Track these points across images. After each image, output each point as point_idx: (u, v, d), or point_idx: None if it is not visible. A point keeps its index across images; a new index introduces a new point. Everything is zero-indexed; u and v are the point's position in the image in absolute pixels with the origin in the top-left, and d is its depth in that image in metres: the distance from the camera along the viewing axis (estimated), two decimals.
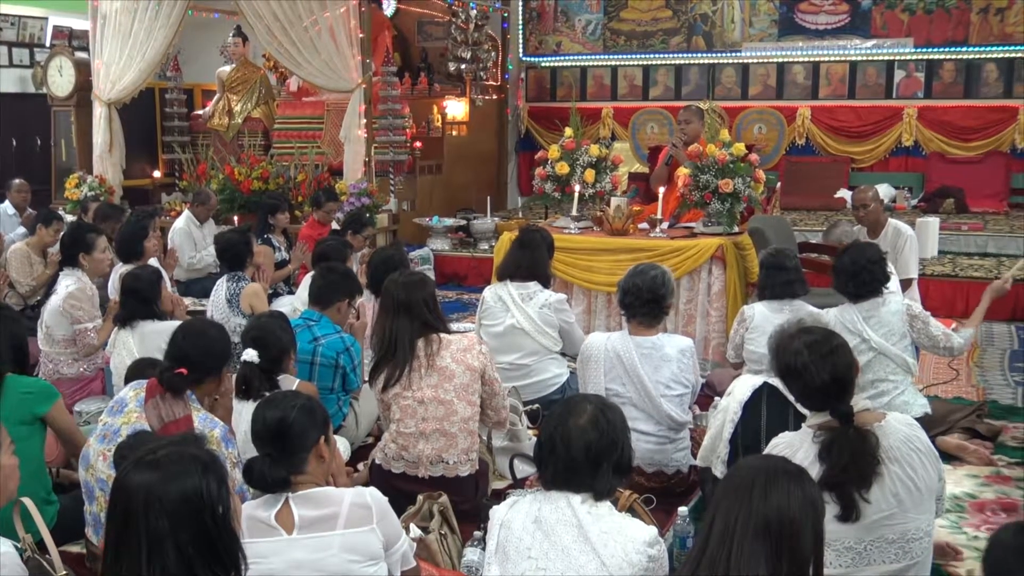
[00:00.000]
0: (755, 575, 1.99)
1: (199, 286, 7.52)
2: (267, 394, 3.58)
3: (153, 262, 5.98)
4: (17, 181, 8.71)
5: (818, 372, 2.74)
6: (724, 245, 5.89)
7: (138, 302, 4.65)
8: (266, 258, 6.23)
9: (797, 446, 2.75)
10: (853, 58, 11.02)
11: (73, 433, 3.75)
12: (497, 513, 2.57)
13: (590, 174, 6.63)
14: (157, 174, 11.01)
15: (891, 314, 4.38)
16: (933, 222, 8.49)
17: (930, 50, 10.69)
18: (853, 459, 2.63)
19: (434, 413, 3.70)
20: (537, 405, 4.73)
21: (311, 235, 7.24)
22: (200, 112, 11.14)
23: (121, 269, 5.78)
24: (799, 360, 2.77)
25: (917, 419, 3.18)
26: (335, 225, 7.62)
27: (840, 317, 4.39)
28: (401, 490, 3.60)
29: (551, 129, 11.25)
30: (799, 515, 2.04)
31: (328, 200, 7.74)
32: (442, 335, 3.80)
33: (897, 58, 10.86)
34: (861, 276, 4.38)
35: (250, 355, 3.70)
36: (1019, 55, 10.39)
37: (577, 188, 6.56)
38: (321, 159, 9.58)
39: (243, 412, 3.69)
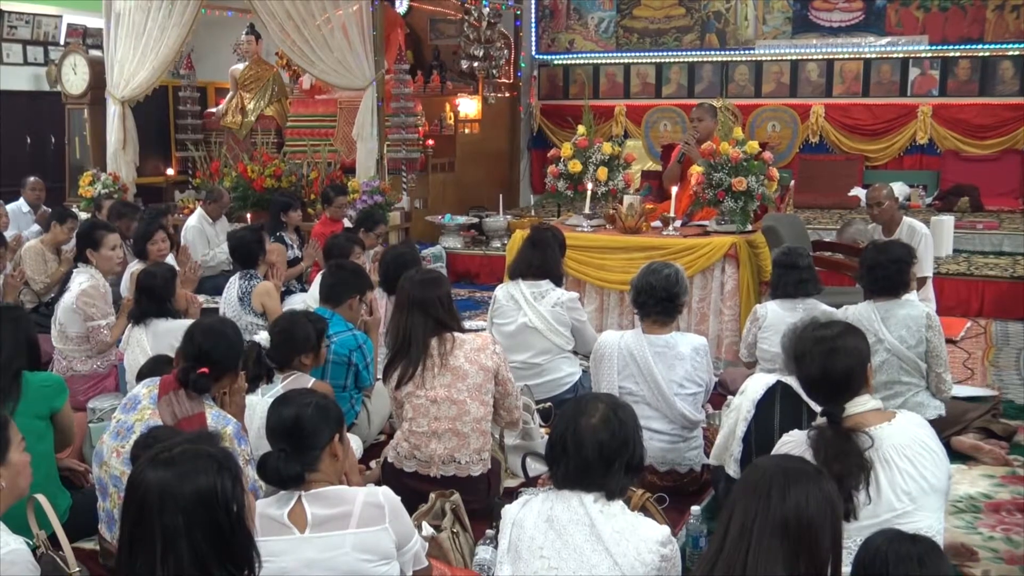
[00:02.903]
0: (773, 575, 1.98)
1: (212, 284, 7.53)
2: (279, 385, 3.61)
3: (170, 259, 6.03)
4: (31, 179, 8.75)
5: (811, 363, 2.77)
6: (737, 243, 5.87)
7: (151, 300, 4.66)
8: (279, 256, 6.24)
9: (806, 446, 2.75)
10: (867, 56, 10.97)
11: (70, 429, 3.79)
12: (509, 512, 2.57)
13: (603, 172, 6.62)
14: (170, 172, 11.05)
15: (910, 318, 4.33)
16: (948, 220, 8.45)
17: (945, 47, 10.63)
18: (837, 458, 2.62)
19: (447, 413, 3.70)
20: (549, 404, 4.72)
21: (323, 233, 7.24)
22: (213, 110, 11.17)
23: (134, 267, 5.81)
24: (802, 346, 2.83)
25: (931, 421, 3.17)
26: (347, 223, 7.62)
27: (857, 314, 4.37)
28: (413, 489, 3.59)
29: (564, 127, 11.23)
30: (817, 515, 2.03)
31: (337, 195, 7.73)
32: (456, 334, 3.80)
33: (912, 55, 10.80)
34: (875, 272, 4.36)
35: (260, 337, 3.71)
36: None
37: (590, 186, 6.55)
38: (334, 157, 9.60)
39: (256, 409, 3.70)
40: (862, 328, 4.21)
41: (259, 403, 3.71)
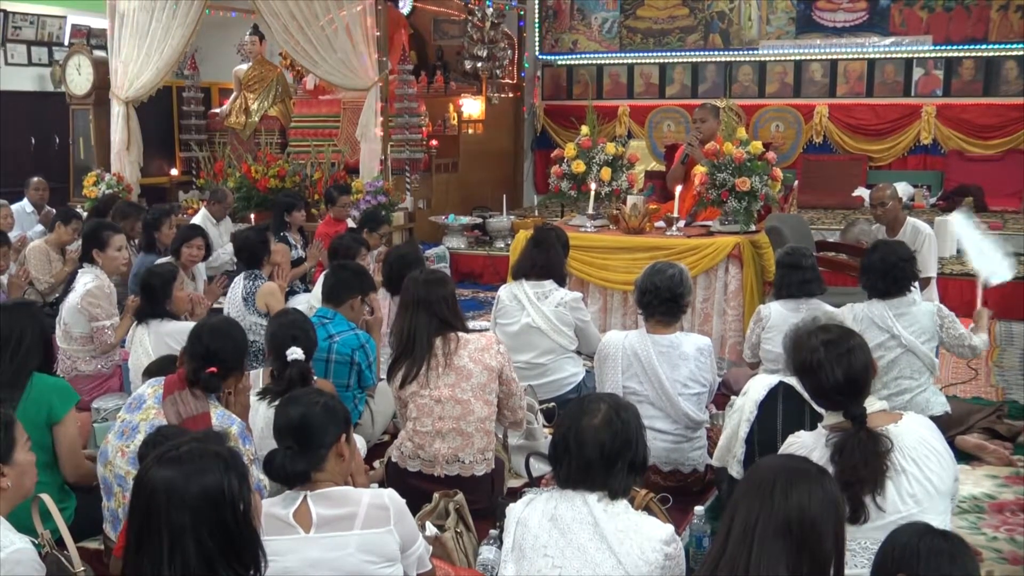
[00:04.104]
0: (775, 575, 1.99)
1: None
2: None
3: (200, 268, 6.12)
4: (35, 179, 8.76)
5: (832, 370, 2.73)
6: (741, 244, 5.87)
7: (150, 301, 4.67)
8: (284, 257, 6.25)
9: (812, 446, 2.74)
10: (871, 56, 10.96)
11: (76, 450, 3.64)
12: (513, 511, 2.57)
13: (606, 172, 6.62)
14: (174, 172, 11.07)
15: (923, 314, 4.39)
16: (952, 220, 8.43)
17: (949, 47, 10.62)
18: (864, 461, 2.61)
19: (451, 412, 3.70)
20: (553, 404, 4.72)
21: (327, 233, 7.25)
22: (217, 110, 11.19)
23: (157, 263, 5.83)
24: (815, 357, 2.77)
25: (937, 418, 3.17)
26: (351, 223, 7.63)
27: (868, 312, 4.38)
28: (416, 488, 3.60)
29: (567, 127, 11.24)
30: (820, 515, 2.03)
31: (340, 195, 7.74)
32: (460, 334, 3.80)
33: (916, 55, 10.79)
34: (893, 273, 4.37)
35: (298, 353, 3.68)
36: None
37: (593, 186, 6.55)
38: (337, 157, 9.60)
39: (259, 409, 3.70)
40: (875, 326, 4.28)
41: (262, 404, 3.72)
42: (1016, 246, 8.63)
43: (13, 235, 7.04)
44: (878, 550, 2.20)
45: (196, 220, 7.96)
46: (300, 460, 2.54)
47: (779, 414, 3.40)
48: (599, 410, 2.52)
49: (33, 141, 10.95)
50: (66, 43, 11.35)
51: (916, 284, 4.54)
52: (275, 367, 3.78)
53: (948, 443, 2.83)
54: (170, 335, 4.50)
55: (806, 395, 3.06)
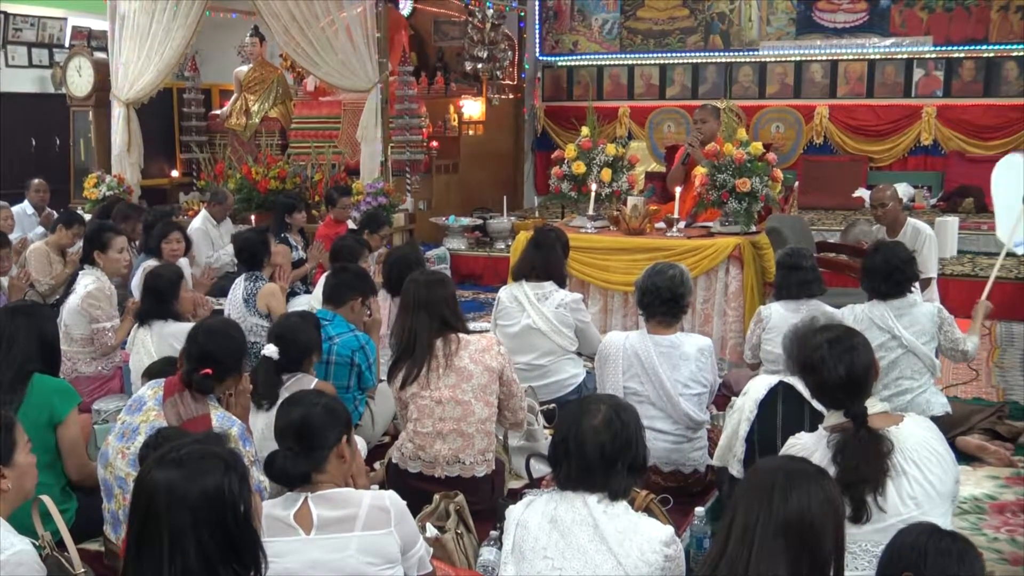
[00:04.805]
0: None
1: (217, 285, 7.54)
2: (285, 394, 3.59)
3: (184, 262, 6.12)
4: (36, 181, 8.76)
5: (834, 368, 2.74)
6: (741, 244, 5.87)
7: (154, 301, 4.67)
8: (284, 258, 6.26)
9: (812, 448, 2.74)
10: (871, 56, 10.96)
11: (79, 450, 3.65)
12: (513, 512, 2.57)
13: (607, 173, 6.62)
14: (175, 174, 11.08)
15: (923, 315, 4.40)
16: (952, 221, 8.43)
17: (949, 48, 10.62)
18: (866, 460, 2.62)
19: (451, 413, 3.70)
20: (553, 405, 4.72)
21: (328, 234, 7.26)
22: (218, 112, 11.20)
23: (149, 264, 5.84)
24: (817, 355, 2.78)
25: (937, 419, 3.16)
26: (352, 224, 7.64)
27: (869, 313, 4.39)
28: (417, 490, 3.60)
29: (568, 128, 11.25)
30: (820, 516, 2.03)
31: (340, 196, 7.75)
32: (460, 335, 3.80)
33: (916, 56, 10.79)
34: (894, 276, 4.38)
35: (271, 350, 3.70)
36: None
37: (593, 187, 6.54)
38: (338, 158, 9.61)
39: (259, 414, 3.70)
40: (875, 327, 4.29)
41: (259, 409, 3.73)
42: None
43: (14, 237, 7.04)
44: (884, 549, 2.20)
45: (196, 222, 7.98)
46: (301, 461, 2.55)
47: (779, 413, 3.40)
48: (599, 411, 2.52)
49: (34, 143, 10.95)
50: (67, 45, 11.35)
51: (916, 285, 4.55)
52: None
53: (949, 444, 2.83)
54: (174, 336, 4.50)
55: (806, 395, 3.07)
